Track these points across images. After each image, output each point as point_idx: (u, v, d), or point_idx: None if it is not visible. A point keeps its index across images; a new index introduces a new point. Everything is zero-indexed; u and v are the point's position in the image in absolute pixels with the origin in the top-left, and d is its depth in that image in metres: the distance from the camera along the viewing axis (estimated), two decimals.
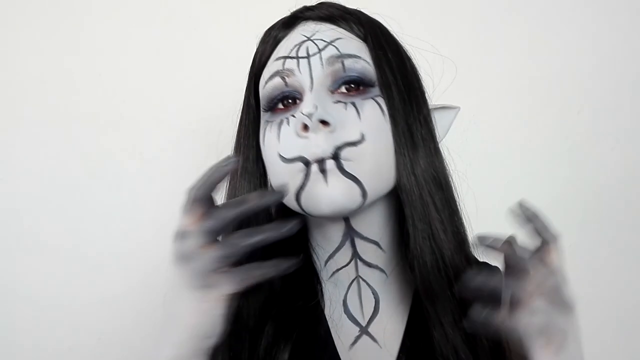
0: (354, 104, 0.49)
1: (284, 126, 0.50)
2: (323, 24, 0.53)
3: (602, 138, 1.01)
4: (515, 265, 0.44)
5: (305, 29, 0.53)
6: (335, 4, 0.55)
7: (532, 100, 1.01)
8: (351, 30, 0.52)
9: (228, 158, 0.45)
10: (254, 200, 0.44)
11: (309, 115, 0.46)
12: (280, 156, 0.50)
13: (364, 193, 0.48)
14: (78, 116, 0.92)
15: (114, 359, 0.92)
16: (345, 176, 0.47)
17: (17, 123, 0.92)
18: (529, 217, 0.46)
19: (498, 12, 1.01)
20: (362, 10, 0.57)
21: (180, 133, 0.94)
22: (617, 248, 1.01)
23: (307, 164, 0.48)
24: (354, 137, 0.48)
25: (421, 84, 0.56)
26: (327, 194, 0.47)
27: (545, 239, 0.46)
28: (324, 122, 0.47)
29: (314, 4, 0.56)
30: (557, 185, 1.01)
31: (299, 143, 0.48)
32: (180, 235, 0.44)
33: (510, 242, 0.45)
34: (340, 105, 0.49)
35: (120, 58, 0.94)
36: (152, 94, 0.94)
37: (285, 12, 0.57)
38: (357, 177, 0.48)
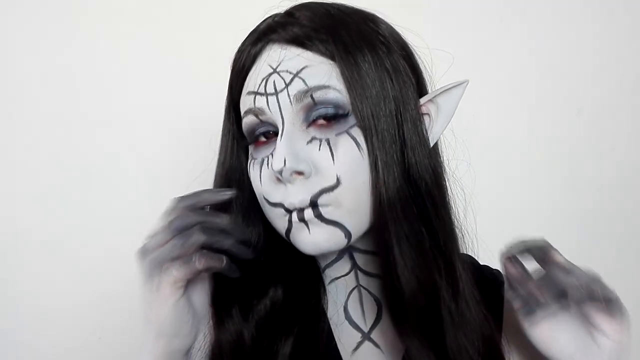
0: (328, 142, 0.47)
1: (264, 168, 0.50)
2: (289, 48, 0.49)
3: (602, 138, 1.01)
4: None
5: (272, 56, 0.50)
6: (301, 20, 0.50)
7: (532, 100, 1.01)
8: (318, 52, 0.49)
9: (227, 190, 0.49)
10: (207, 195, 0.48)
11: (279, 172, 0.46)
12: (265, 199, 0.50)
13: (347, 234, 0.48)
14: (77, 116, 0.92)
15: (113, 359, 0.92)
16: (326, 223, 0.47)
17: (15, 123, 0.92)
18: (523, 250, 0.48)
19: (498, 12, 1.01)
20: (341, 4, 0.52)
21: (180, 132, 0.94)
22: (617, 248, 1.01)
23: (288, 211, 0.48)
24: (330, 182, 0.47)
25: (409, 82, 0.51)
26: (311, 241, 0.48)
27: (542, 248, 0.48)
28: (297, 172, 0.47)
29: (280, 19, 0.52)
30: (556, 185, 1.01)
31: (278, 189, 0.49)
32: (150, 235, 0.47)
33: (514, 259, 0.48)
34: (315, 144, 0.48)
35: (119, 58, 0.94)
36: (151, 94, 0.94)
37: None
38: (338, 221, 0.48)
